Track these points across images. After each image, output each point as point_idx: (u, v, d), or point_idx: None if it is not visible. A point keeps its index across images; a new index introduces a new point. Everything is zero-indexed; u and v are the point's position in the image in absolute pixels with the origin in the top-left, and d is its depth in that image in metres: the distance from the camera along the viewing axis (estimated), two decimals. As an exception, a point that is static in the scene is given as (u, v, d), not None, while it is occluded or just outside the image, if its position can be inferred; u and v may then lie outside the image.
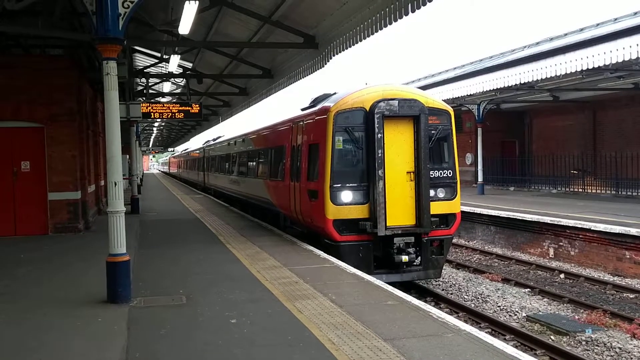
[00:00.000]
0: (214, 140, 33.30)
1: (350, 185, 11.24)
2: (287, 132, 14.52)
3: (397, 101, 11.09)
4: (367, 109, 11.21)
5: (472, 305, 11.67)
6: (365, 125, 11.22)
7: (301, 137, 13.08)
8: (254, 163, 19.32)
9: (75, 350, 5.88)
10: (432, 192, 11.35)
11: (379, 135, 10.94)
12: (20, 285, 8.99)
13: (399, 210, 11.15)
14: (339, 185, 11.20)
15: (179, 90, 28.94)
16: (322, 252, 11.29)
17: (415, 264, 11.33)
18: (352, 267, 9.90)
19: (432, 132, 11.45)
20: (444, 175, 11.75)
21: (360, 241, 11.17)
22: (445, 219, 11.67)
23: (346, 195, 11.20)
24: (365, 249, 11.17)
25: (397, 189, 11.17)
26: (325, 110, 11.59)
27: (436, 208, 11.35)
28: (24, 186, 14.29)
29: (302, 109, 14.01)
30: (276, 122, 16.54)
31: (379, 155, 10.91)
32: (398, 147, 11.22)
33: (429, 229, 11.18)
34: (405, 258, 10.99)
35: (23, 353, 5.84)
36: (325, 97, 13.12)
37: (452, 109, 12.05)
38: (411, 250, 11.14)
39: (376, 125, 10.91)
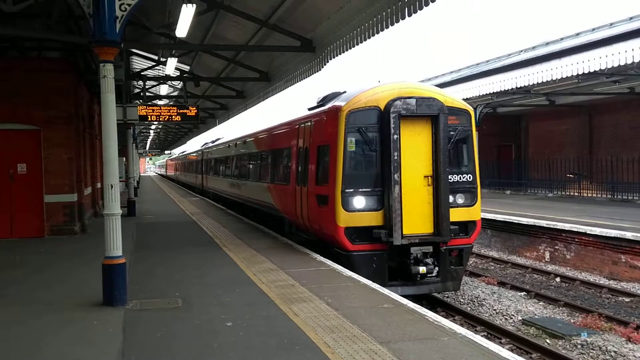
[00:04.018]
0: (213, 142, 32.50)
1: (364, 190, 10.48)
2: (292, 133, 13.78)
3: (414, 99, 10.33)
4: (382, 108, 10.46)
5: (468, 308, 11.68)
6: (380, 125, 10.47)
7: (309, 138, 12.34)
8: (257, 166, 18.48)
9: (70, 353, 5.87)
10: (450, 198, 10.56)
11: (395, 136, 10.18)
12: (15, 287, 8.96)
13: (415, 218, 10.39)
14: (351, 190, 10.43)
15: (176, 93, 28.99)
16: (319, 255, 11.24)
17: (431, 275, 10.51)
18: (356, 275, 9.60)
19: (451, 133, 10.70)
20: (464, 179, 10.99)
21: (374, 251, 10.40)
22: (465, 227, 10.90)
23: (359, 201, 10.45)
24: (379, 259, 10.41)
25: (414, 195, 10.42)
26: (337, 110, 10.85)
27: (455, 215, 10.58)
28: (20, 188, 14.27)
29: (309, 109, 13.25)
30: (280, 122, 15.80)
31: (395, 157, 10.16)
32: (415, 149, 10.48)
33: (448, 238, 10.43)
34: (422, 269, 10.18)
35: (18, 356, 5.82)
36: (335, 95, 12.35)
37: (472, 109, 11.32)
38: (429, 260, 10.35)
39: (392, 126, 10.16)
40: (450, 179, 10.62)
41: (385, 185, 10.38)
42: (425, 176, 10.51)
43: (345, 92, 12.10)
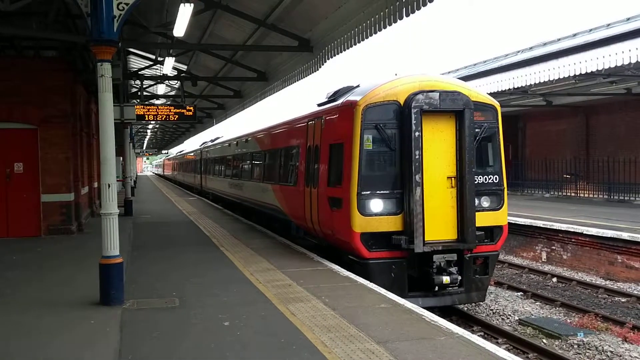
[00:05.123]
0: (212, 141, 31.48)
1: (381, 192, 9.66)
2: (301, 131, 12.92)
3: (437, 93, 9.50)
4: (402, 103, 9.63)
5: (465, 308, 11.66)
6: (400, 121, 9.65)
7: (319, 136, 11.51)
8: (261, 165, 17.51)
9: (67, 353, 5.86)
10: (475, 201, 9.76)
11: (417, 133, 9.34)
12: (12, 287, 8.94)
13: (438, 223, 9.61)
14: (368, 192, 9.61)
15: (173, 93, 28.95)
16: (316, 255, 11.24)
17: (454, 285, 9.71)
18: (353, 275, 9.50)
19: (476, 130, 9.88)
20: (490, 181, 10.15)
21: (393, 258, 9.60)
22: (491, 233, 10.11)
23: (376, 204, 9.62)
24: (399, 268, 9.61)
25: (436, 197, 9.60)
26: (352, 105, 9.99)
27: (480, 219, 9.74)
28: (17, 188, 14.23)
29: (319, 104, 12.35)
30: (287, 119, 14.88)
31: (417, 157, 9.33)
32: (437, 148, 9.67)
33: (474, 245, 9.61)
34: (446, 279, 9.39)
35: (15, 356, 5.81)
36: (348, 89, 11.39)
37: (498, 104, 10.53)
38: (453, 269, 9.55)
39: (413, 122, 9.33)
40: (475, 181, 9.81)
41: (405, 187, 9.58)
42: (448, 177, 9.73)
43: (358, 86, 11.27)
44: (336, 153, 10.51)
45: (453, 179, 9.74)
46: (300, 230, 13.35)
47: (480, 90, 10.83)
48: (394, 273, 9.61)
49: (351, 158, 9.74)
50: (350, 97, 10.49)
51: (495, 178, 10.26)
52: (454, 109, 9.62)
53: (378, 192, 9.67)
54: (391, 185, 9.72)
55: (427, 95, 9.49)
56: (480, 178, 10.02)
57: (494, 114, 10.33)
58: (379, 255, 9.64)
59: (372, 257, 9.62)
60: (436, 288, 9.56)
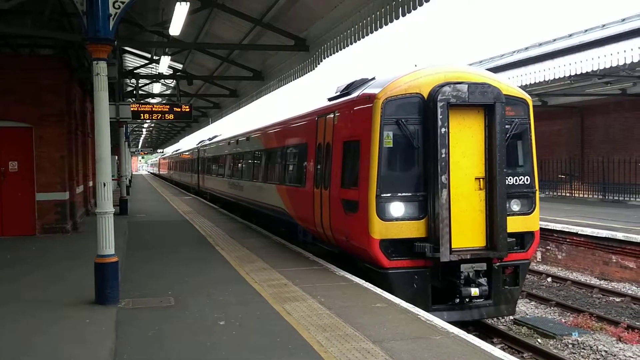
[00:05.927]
0: (210, 139, 30.38)
1: (403, 194, 8.79)
2: (310, 127, 12.05)
3: (466, 85, 8.61)
4: (425, 96, 8.77)
5: (461, 308, 11.69)
6: (423, 116, 8.79)
7: (331, 132, 10.65)
8: (264, 165, 16.47)
9: (63, 352, 5.85)
10: (506, 205, 8.94)
11: (443, 129, 8.47)
12: (7, 286, 8.91)
13: (465, 228, 8.76)
14: (388, 194, 8.74)
15: (169, 92, 28.92)
16: (311, 255, 11.22)
17: (481, 298, 8.89)
18: (349, 274, 9.34)
19: (507, 126, 8.98)
20: (520, 182, 9.27)
21: (416, 268, 8.76)
22: (521, 239, 9.26)
23: (397, 208, 8.77)
24: (422, 279, 8.76)
25: (463, 200, 8.75)
26: (370, 98, 9.11)
27: (510, 225, 8.84)
28: (11, 186, 14.18)
29: (330, 99, 11.51)
30: (293, 116, 13.94)
31: (443, 155, 8.47)
32: (464, 146, 8.80)
33: (505, 253, 8.73)
34: (475, 291, 8.55)
35: (11, 355, 5.79)
36: (363, 82, 10.51)
37: (530, 97, 9.59)
38: (482, 280, 8.73)
39: (439, 117, 8.46)
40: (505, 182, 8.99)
41: (429, 189, 8.71)
42: (476, 178, 8.86)
43: (374, 78, 10.45)
44: (351, 151, 9.68)
45: (481, 180, 8.88)
46: (308, 235, 12.52)
47: (510, 83, 9.97)
48: (417, 284, 8.76)
49: (369, 157, 8.89)
50: (368, 90, 9.58)
51: (527, 179, 9.37)
52: (484, 102, 8.73)
53: (399, 194, 8.80)
54: (414, 186, 8.85)
55: (454, 87, 8.61)
56: (510, 179, 9.16)
57: (525, 109, 9.40)
58: (400, 264, 8.79)
59: (393, 266, 8.78)
60: (457, 300, 8.82)
